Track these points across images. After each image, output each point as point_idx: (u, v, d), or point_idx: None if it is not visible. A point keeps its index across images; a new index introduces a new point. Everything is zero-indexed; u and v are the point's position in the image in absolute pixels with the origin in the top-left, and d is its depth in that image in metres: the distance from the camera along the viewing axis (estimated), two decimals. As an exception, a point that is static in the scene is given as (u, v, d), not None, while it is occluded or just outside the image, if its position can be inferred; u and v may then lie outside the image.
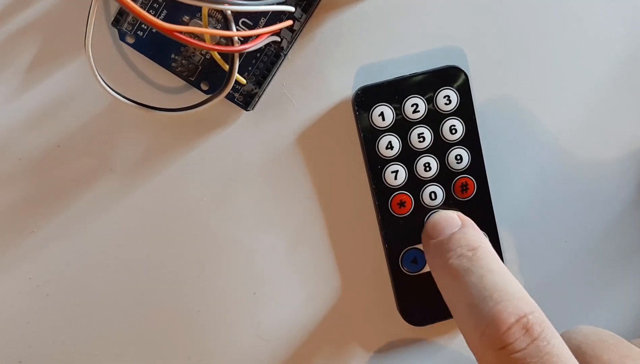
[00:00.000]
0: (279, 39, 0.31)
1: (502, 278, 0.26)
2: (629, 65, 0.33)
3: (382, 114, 0.31)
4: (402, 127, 0.31)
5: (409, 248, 0.32)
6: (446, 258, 0.28)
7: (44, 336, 0.33)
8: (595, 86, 0.33)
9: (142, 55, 0.31)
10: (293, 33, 0.31)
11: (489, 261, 0.27)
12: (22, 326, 0.33)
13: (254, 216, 0.33)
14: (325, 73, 0.32)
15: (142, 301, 0.33)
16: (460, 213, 0.30)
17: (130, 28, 0.31)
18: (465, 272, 0.27)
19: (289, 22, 0.30)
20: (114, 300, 0.33)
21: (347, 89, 0.32)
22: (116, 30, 0.31)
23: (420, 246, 0.32)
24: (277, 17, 0.31)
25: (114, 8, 0.31)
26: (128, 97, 0.30)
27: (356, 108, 0.31)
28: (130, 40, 0.31)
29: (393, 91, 0.31)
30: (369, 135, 0.31)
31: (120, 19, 0.31)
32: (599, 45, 0.33)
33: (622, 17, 0.32)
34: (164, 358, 0.33)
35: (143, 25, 0.31)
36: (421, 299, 0.32)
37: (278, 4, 0.29)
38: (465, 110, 0.31)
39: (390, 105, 0.31)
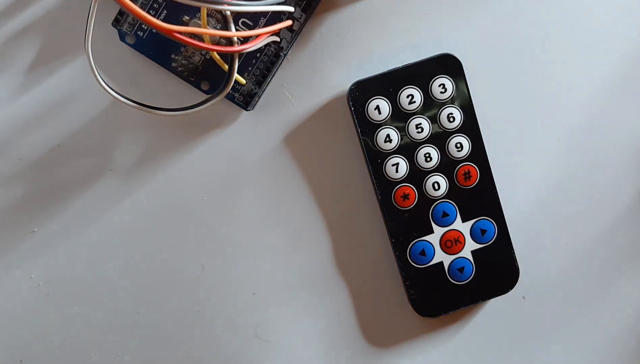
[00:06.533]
0: (278, 39, 0.31)
1: None
2: (633, 64, 0.33)
3: (377, 108, 0.31)
4: (399, 118, 0.31)
5: (416, 240, 0.32)
6: None
7: (45, 335, 0.33)
8: (597, 83, 0.33)
9: (142, 55, 0.31)
10: (292, 33, 0.31)
11: None
12: (23, 325, 0.33)
13: (254, 216, 0.33)
14: (324, 72, 0.32)
15: (142, 300, 0.33)
16: None
17: (131, 28, 0.31)
18: None
19: (289, 22, 0.30)
20: (114, 299, 0.33)
21: (345, 86, 0.32)
22: (116, 30, 0.31)
23: (427, 237, 0.32)
24: (276, 17, 0.31)
25: (114, 8, 0.31)
26: (128, 97, 0.30)
27: (351, 103, 0.31)
28: (131, 40, 0.31)
29: (387, 83, 0.31)
30: (366, 130, 0.31)
31: (120, 19, 0.31)
32: (603, 40, 0.32)
33: (626, 16, 0.32)
34: (164, 357, 0.33)
35: (143, 26, 0.31)
36: (432, 290, 0.32)
37: (278, 4, 0.29)
38: (462, 97, 0.31)
39: (386, 97, 0.31)
